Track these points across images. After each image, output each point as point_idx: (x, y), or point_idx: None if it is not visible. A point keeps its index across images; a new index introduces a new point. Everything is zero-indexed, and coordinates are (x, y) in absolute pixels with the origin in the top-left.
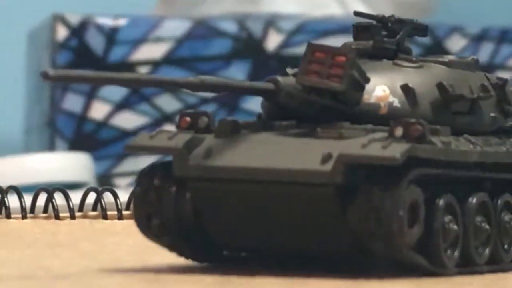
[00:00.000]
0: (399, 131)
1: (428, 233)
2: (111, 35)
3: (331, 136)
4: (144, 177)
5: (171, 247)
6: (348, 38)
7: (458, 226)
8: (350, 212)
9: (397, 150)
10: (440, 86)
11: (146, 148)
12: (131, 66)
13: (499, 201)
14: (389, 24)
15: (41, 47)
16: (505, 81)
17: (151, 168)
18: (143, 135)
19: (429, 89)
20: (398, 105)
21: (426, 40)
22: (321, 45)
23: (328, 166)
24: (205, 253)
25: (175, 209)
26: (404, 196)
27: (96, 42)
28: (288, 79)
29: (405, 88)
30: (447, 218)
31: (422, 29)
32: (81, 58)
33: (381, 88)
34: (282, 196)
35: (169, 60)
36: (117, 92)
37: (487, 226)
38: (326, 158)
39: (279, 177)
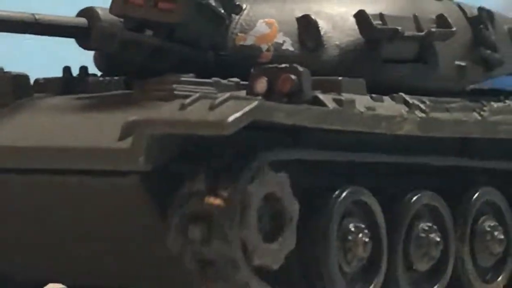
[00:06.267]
0: (262, 84)
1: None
2: None
3: (155, 97)
4: None
5: None
6: None
7: (368, 238)
8: (164, 219)
9: (230, 111)
10: (359, 17)
11: None
12: None
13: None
14: None
15: None
16: (486, 12)
17: None
18: None
19: (344, 24)
20: (291, 48)
21: None
22: None
23: (127, 142)
24: None
25: None
26: (253, 190)
27: None
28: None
29: (304, 21)
30: (352, 225)
31: None
32: None
33: (266, 22)
34: (61, 193)
35: None
36: None
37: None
38: (127, 130)
39: (52, 162)
